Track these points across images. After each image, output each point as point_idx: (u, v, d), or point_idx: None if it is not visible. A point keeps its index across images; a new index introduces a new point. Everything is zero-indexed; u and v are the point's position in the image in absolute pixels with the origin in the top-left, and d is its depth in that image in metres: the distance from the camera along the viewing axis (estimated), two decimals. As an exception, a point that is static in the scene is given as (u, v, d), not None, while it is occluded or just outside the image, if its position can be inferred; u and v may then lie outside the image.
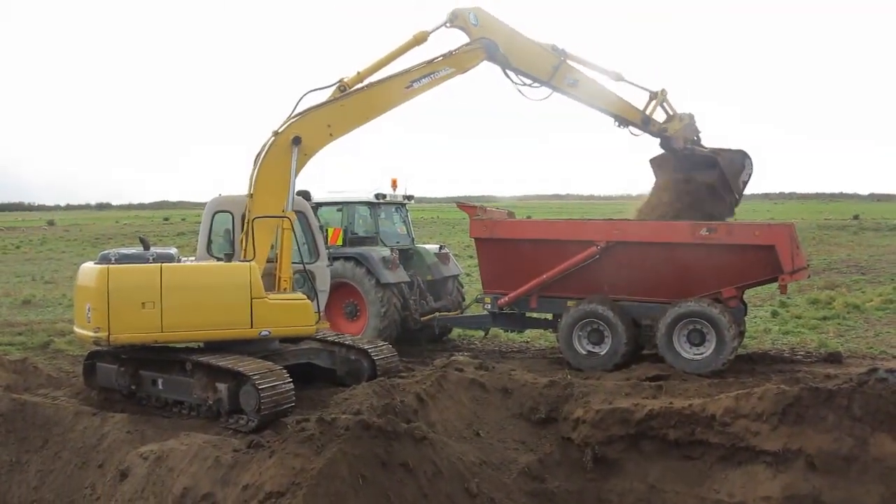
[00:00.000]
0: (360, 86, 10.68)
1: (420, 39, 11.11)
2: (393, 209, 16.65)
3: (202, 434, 8.86)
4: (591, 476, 8.70)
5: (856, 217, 64.55)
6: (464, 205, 13.96)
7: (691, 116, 13.13)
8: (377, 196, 15.95)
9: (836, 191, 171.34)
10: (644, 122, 12.94)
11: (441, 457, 7.77)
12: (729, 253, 11.84)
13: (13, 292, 25.24)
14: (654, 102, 13.03)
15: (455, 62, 10.76)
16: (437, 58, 10.76)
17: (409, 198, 16.89)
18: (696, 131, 13.23)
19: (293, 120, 10.28)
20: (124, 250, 10.49)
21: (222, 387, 9.55)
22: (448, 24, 11.34)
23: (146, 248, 10.54)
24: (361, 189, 16.05)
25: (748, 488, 8.09)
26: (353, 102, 10.41)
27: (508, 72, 11.93)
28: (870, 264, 29.20)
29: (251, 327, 10.03)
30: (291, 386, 9.49)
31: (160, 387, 10.36)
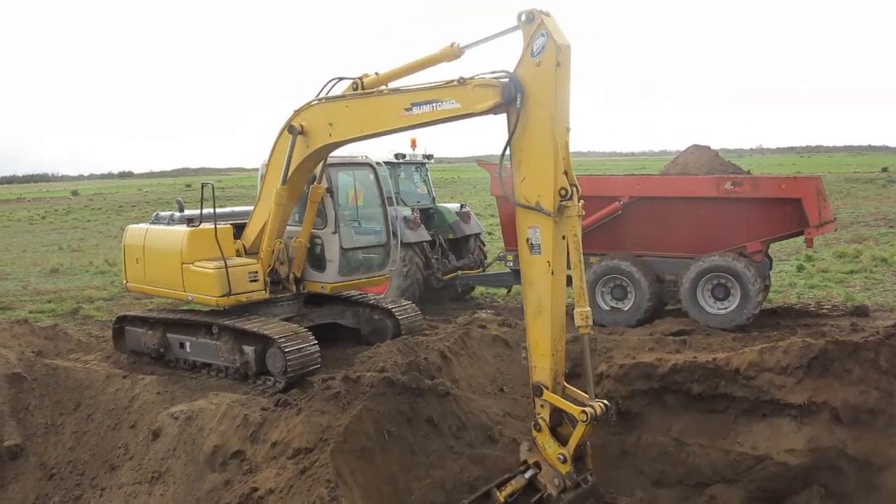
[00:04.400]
0: (372, 90, 8.89)
1: (449, 55, 8.05)
2: (413, 169, 16.62)
3: (230, 394, 9.01)
4: (615, 430, 8.75)
5: (884, 170, 63.41)
6: (484, 163, 13.90)
7: None
8: (396, 156, 15.92)
9: (865, 143, 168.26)
10: None
11: (465, 410, 7.86)
12: (754, 207, 11.70)
13: (41, 261, 25.64)
14: None
15: (461, 95, 7.29)
16: (451, 81, 7.44)
17: (429, 157, 16.83)
18: None
19: (302, 108, 9.46)
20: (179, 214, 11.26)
21: (249, 349, 9.69)
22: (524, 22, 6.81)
23: (181, 210, 11.15)
24: (380, 149, 16.02)
25: (772, 441, 8.10)
26: (357, 106, 8.71)
27: None
28: (899, 217, 28.79)
29: (184, 291, 10.24)
30: (317, 347, 9.59)
31: (188, 350, 10.54)
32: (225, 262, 9.76)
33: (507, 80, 6.70)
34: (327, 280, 10.49)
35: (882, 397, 7.76)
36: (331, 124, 8.96)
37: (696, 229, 12.11)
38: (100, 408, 9.64)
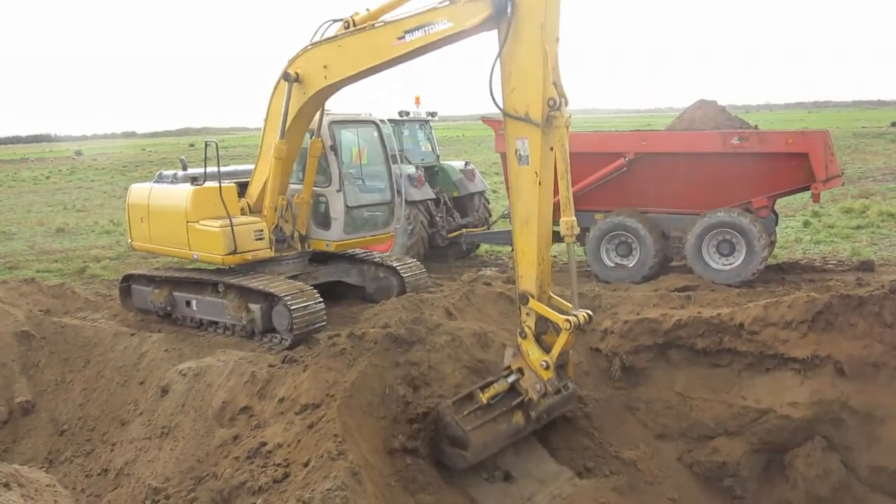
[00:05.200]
0: (364, 26, 8.84)
1: None
2: (417, 126, 16.51)
3: (238, 351, 9.08)
4: (619, 385, 8.83)
5: (894, 124, 62.81)
6: (489, 120, 13.79)
7: None
8: (400, 113, 15.80)
9: (874, 98, 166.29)
10: None
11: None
12: (761, 162, 11.62)
13: (46, 221, 25.71)
14: None
15: (452, 14, 7.36)
16: (441, 2, 7.57)
17: (433, 114, 16.71)
18: None
19: (296, 55, 9.45)
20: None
21: (255, 307, 9.75)
22: None
23: (184, 169, 11.11)
24: (384, 107, 15.89)
25: (776, 394, 8.17)
26: (350, 44, 8.67)
27: None
28: (907, 172, 28.59)
29: (189, 249, 10.28)
30: (322, 305, 9.64)
31: (194, 308, 10.61)
32: (230, 221, 9.77)
33: None
34: (332, 238, 10.51)
35: (886, 351, 7.81)
36: (325, 67, 8.96)
37: (702, 185, 12.05)
38: (109, 365, 9.75)
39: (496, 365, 7.79)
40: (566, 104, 6.69)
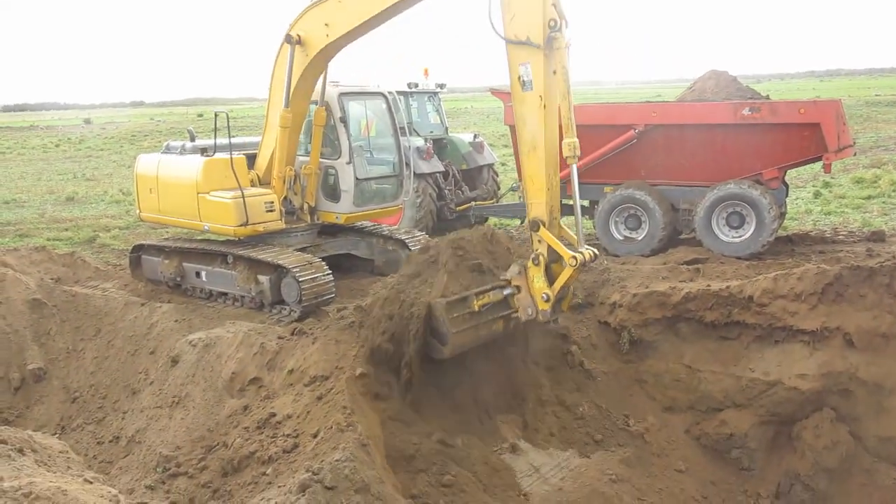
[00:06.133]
0: None
1: None
2: (425, 98, 16.38)
3: (247, 322, 9.14)
4: (628, 358, 8.86)
5: (907, 92, 61.96)
6: (498, 91, 13.67)
7: None
8: (409, 85, 15.68)
9: (888, 66, 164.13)
10: None
11: None
12: (772, 132, 11.50)
13: (56, 189, 25.76)
14: None
15: None
16: None
17: (442, 86, 16.57)
18: None
19: (297, 18, 9.55)
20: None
21: (264, 279, 9.78)
22: None
23: (192, 140, 11.13)
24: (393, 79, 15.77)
25: (784, 366, 8.19)
26: None
27: None
28: (920, 141, 28.28)
29: (200, 221, 10.28)
30: (331, 277, 9.66)
31: (204, 279, 10.65)
32: (242, 192, 9.77)
33: None
34: (342, 210, 10.50)
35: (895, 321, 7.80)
36: (327, 25, 9.07)
37: (713, 157, 11.95)
38: (119, 334, 9.83)
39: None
40: (566, 26, 6.81)
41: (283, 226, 10.27)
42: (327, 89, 10.34)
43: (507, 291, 7.27)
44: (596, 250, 7.20)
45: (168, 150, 11.18)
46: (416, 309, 7.06)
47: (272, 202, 10.08)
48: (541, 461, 7.40)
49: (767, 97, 12.82)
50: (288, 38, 9.36)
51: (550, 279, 7.05)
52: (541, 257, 7.03)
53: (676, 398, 8.60)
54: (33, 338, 9.94)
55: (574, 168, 7.12)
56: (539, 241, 7.07)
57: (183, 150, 10.91)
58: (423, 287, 7.32)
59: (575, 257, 6.85)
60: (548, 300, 7.01)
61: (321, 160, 10.51)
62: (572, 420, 8.00)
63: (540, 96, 6.87)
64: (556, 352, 8.49)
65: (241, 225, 9.80)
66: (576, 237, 7.20)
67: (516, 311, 7.29)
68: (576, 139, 6.96)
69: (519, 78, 6.96)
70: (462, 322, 7.07)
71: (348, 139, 10.30)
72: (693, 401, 8.59)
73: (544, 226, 7.01)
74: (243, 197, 9.76)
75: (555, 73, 6.88)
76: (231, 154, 10.05)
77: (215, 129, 10.24)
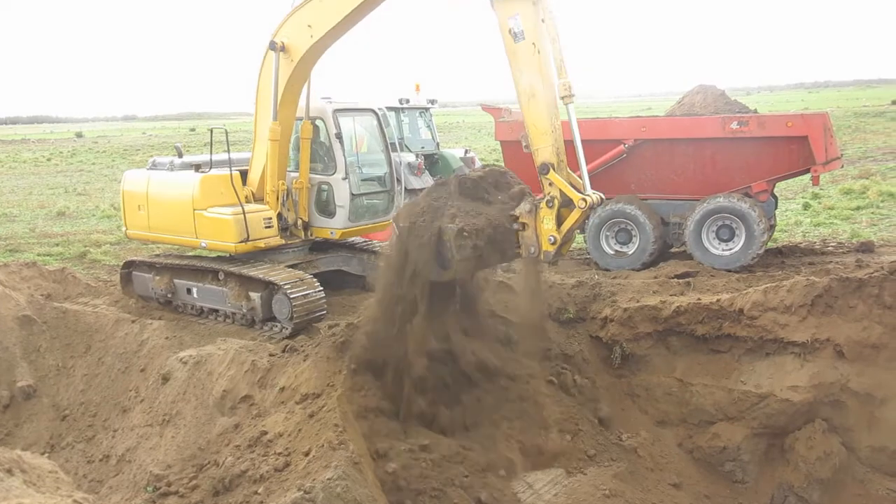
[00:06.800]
0: None
1: None
2: (416, 114, 16.44)
3: (238, 340, 9.11)
4: (620, 372, 8.87)
5: (894, 102, 62.31)
6: (489, 107, 13.72)
7: None
8: (400, 101, 15.74)
9: (875, 77, 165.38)
10: None
11: None
12: (760, 146, 11.57)
13: (47, 204, 25.66)
14: None
15: None
16: None
17: (433, 102, 16.64)
18: None
19: (279, 24, 9.68)
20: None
21: (255, 296, 9.77)
22: None
23: (179, 156, 11.12)
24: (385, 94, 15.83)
25: (775, 378, 8.21)
26: None
27: None
28: (907, 150, 28.44)
29: (196, 237, 10.28)
30: (322, 294, 9.66)
31: (195, 295, 10.62)
32: (243, 208, 9.79)
33: None
34: (337, 226, 10.52)
35: (885, 332, 7.86)
36: (310, 25, 9.20)
37: (702, 170, 12.01)
38: (110, 351, 9.80)
39: None
40: None
41: (282, 241, 10.29)
42: (321, 105, 10.39)
43: (514, 226, 7.38)
44: (602, 194, 7.38)
45: (154, 166, 11.16)
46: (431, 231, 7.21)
47: (270, 218, 10.12)
48: (535, 477, 7.39)
49: (755, 111, 12.90)
50: (272, 45, 9.45)
51: (559, 222, 7.20)
52: (555, 200, 7.15)
53: (669, 412, 8.61)
54: (23, 355, 9.89)
55: (571, 108, 7.36)
56: (550, 185, 7.20)
57: (172, 167, 10.91)
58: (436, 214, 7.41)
59: (585, 199, 7.02)
60: (554, 243, 7.16)
61: (314, 175, 10.53)
62: (567, 435, 7.98)
63: (533, 44, 7.11)
64: (552, 369, 8.50)
65: (241, 241, 9.82)
66: (581, 182, 7.33)
67: (520, 249, 7.41)
68: (570, 80, 7.20)
69: (510, 31, 7.18)
70: (468, 251, 7.16)
71: (344, 155, 10.33)
72: (685, 414, 8.60)
73: (554, 169, 7.17)
74: (244, 213, 9.77)
75: (543, 21, 7.12)
76: (231, 169, 10.11)
77: (211, 145, 10.26)
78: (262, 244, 10.03)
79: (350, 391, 7.12)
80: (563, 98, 7.23)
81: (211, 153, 10.43)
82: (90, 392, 9.51)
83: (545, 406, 8.01)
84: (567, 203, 7.15)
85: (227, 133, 10.29)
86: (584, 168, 7.36)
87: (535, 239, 7.24)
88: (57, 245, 17.65)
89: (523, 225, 7.31)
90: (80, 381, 9.70)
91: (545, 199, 7.19)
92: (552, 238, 7.14)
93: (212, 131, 10.36)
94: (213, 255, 10.57)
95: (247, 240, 9.82)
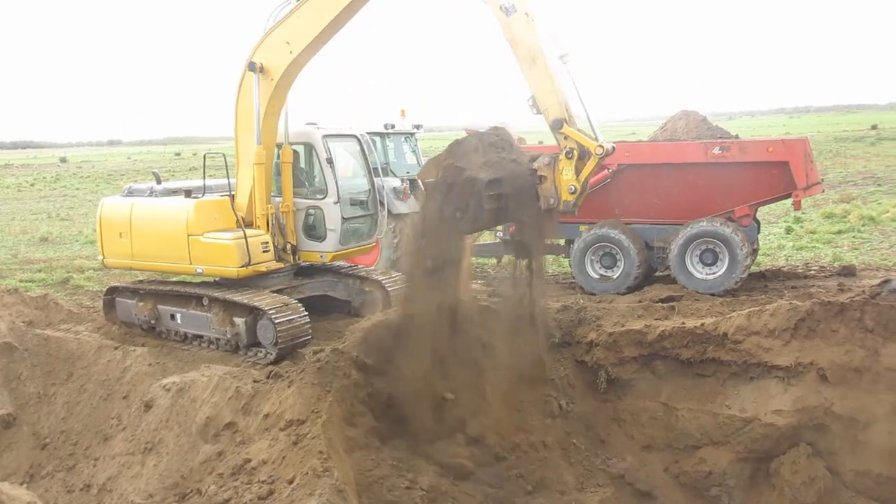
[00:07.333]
0: None
1: None
2: (402, 139, 16.47)
3: (222, 366, 9.04)
4: (606, 397, 8.87)
5: (874, 127, 63.05)
6: (473, 131, 13.78)
7: None
8: (386, 126, 15.78)
9: (854, 103, 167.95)
10: None
11: None
12: (742, 171, 11.71)
13: (30, 229, 25.49)
14: None
15: None
16: None
17: (418, 127, 16.69)
18: None
19: (256, 44, 9.73)
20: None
21: (240, 321, 9.70)
22: None
23: (158, 182, 11.05)
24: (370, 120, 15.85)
25: (759, 402, 8.24)
26: (305, 11, 9.17)
27: None
28: (887, 175, 28.79)
29: (190, 264, 10.19)
30: (307, 319, 9.61)
31: (179, 321, 10.54)
32: (244, 233, 9.77)
33: None
34: (328, 249, 10.51)
35: (868, 355, 7.90)
36: (288, 42, 9.36)
37: (685, 195, 12.13)
38: (92, 378, 9.68)
39: None
40: None
41: (279, 265, 10.28)
42: (308, 130, 10.44)
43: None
44: (613, 143, 7.76)
45: (131, 192, 11.10)
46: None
47: (266, 242, 10.12)
48: (523, 500, 7.36)
49: (737, 136, 13.06)
50: (251, 67, 9.49)
51: (577, 172, 7.55)
52: (574, 151, 7.51)
53: (654, 436, 8.60)
54: (3, 382, 9.77)
55: (570, 68, 7.79)
56: (565, 138, 7.56)
57: (153, 193, 10.86)
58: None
59: (601, 146, 7.41)
60: (574, 192, 7.53)
61: (300, 200, 10.53)
62: (553, 461, 7.96)
63: (525, 13, 7.59)
64: (537, 394, 8.49)
65: (243, 266, 9.78)
66: (593, 132, 7.68)
67: (540, 202, 7.69)
68: (565, 42, 7.73)
69: (501, 7, 7.62)
70: (493, 202, 7.51)
71: (335, 179, 10.36)
72: (671, 438, 8.60)
73: (567, 122, 7.55)
74: (245, 237, 9.75)
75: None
76: (231, 193, 10.16)
77: (204, 170, 10.25)
78: (262, 268, 10.01)
79: (338, 419, 7.10)
80: (560, 58, 7.70)
81: (204, 178, 10.40)
82: (71, 420, 9.39)
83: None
84: (583, 155, 7.52)
85: (225, 157, 10.28)
86: (592, 119, 7.79)
87: (554, 190, 7.60)
88: (39, 271, 17.51)
89: (541, 178, 7.65)
90: (61, 408, 9.58)
91: (564, 152, 7.57)
92: (572, 187, 7.52)
93: (205, 156, 10.37)
94: (197, 280, 10.50)
95: (248, 264, 9.80)
